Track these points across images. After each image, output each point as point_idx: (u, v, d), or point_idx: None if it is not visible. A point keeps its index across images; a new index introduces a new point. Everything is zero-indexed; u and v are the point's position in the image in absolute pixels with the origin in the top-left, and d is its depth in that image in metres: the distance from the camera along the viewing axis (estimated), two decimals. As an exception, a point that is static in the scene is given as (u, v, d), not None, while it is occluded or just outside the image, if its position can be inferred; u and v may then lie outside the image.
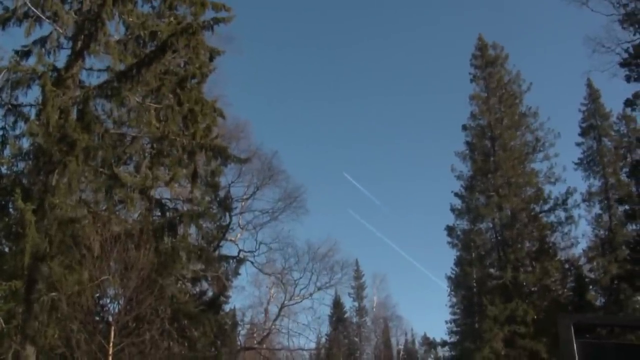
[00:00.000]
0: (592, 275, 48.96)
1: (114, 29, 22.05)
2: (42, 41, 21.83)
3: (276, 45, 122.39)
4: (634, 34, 38.08)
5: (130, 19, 22.23)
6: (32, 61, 21.65)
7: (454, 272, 55.04)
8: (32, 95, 21.42)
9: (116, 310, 19.63)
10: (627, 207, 44.53)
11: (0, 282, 18.52)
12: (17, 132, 21.39)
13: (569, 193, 46.54)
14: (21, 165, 21.47)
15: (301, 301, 51.36)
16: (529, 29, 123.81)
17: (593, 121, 52.71)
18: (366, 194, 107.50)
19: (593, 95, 52.96)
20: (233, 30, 29.50)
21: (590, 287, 47.69)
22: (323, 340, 72.89)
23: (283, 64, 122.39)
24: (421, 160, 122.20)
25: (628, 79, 38.19)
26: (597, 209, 51.26)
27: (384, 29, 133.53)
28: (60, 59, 21.95)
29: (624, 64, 37.93)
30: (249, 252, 45.90)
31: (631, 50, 37.78)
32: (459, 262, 52.48)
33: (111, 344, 18.06)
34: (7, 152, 21.24)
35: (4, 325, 18.29)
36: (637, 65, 37.65)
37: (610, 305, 45.09)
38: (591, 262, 49.24)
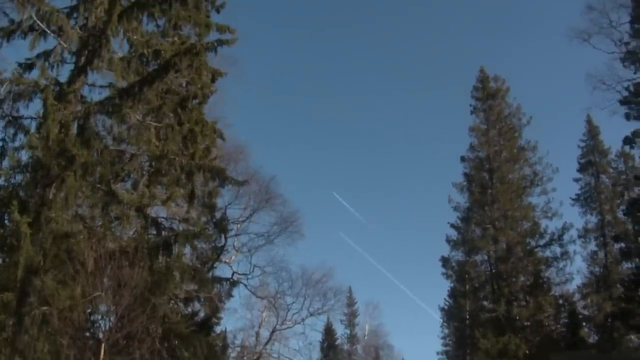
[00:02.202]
0: (585, 312, 48.88)
1: (118, 46, 22.20)
2: (46, 55, 21.90)
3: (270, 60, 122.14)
4: (635, 72, 38.55)
5: (135, 37, 22.31)
6: (35, 74, 21.80)
7: (447, 304, 54.95)
8: (33, 108, 21.47)
9: (107, 327, 19.52)
10: (622, 244, 44.50)
11: (-8, 294, 18.41)
12: (17, 144, 21.44)
13: (565, 229, 46.82)
14: (19, 177, 21.36)
15: (293, 326, 50.94)
16: (531, 62, 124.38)
17: (592, 157, 52.93)
18: (357, 216, 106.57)
19: (592, 132, 53.22)
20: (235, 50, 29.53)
21: (584, 324, 47.62)
22: (314, 366, 72.35)
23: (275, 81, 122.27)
24: (414, 187, 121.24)
25: (628, 116, 38.58)
26: (592, 246, 51.41)
27: (379, 54, 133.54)
28: (63, 74, 22.03)
29: (624, 102, 38.30)
30: (242, 274, 45.63)
31: (631, 88, 38.14)
32: (452, 294, 52.38)
33: (100, 361, 17.94)
34: (5, 163, 21.25)
35: (-7, 338, 18.14)
36: (637, 103, 38.03)
37: (603, 343, 44.98)
38: (585, 299, 49.18)
